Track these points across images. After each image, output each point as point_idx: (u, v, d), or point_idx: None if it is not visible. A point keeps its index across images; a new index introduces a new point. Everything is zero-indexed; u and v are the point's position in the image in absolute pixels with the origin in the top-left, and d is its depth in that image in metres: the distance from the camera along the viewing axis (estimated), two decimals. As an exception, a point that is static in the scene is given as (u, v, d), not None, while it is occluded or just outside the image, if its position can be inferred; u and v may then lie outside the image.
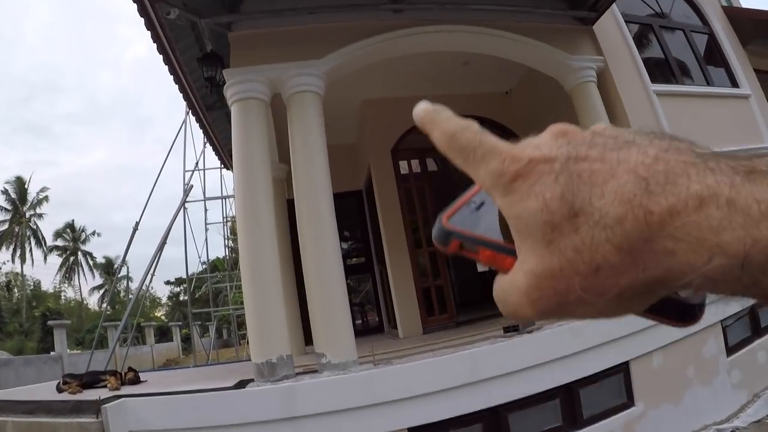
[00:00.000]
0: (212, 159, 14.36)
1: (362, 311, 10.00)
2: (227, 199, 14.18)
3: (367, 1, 5.09)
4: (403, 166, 7.38)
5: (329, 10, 4.92)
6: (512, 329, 4.59)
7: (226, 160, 8.83)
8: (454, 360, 4.24)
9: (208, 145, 10.50)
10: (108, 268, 40.32)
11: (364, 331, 8.97)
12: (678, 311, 0.28)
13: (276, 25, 4.87)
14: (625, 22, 6.64)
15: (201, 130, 8.17)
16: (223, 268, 19.38)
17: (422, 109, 0.36)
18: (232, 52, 4.81)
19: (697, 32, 7.86)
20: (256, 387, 4.01)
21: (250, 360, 4.95)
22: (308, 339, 6.45)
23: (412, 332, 6.81)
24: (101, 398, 3.87)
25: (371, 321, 9.66)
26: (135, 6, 4.32)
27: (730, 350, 5.97)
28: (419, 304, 6.93)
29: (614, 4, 6.15)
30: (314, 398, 3.89)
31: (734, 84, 7.74)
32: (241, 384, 4.13)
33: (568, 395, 4.71)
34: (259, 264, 4.20)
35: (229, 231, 15.34)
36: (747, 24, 8.37)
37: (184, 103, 7.34)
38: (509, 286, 0.29)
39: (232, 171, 9.07)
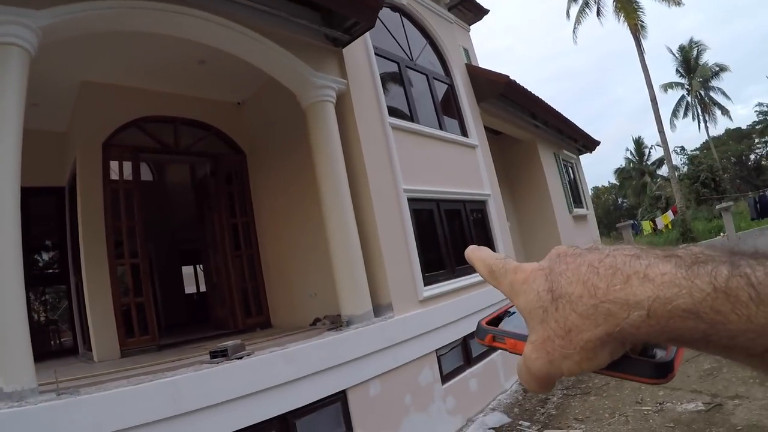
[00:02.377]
0: None
1: (57, 330, 9.00)
2: None
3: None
4: (115, 165, 6.96)
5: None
6: (220, 354, 4.41)
7: None
8: (152, 389, 3.86)
9: None
10: None
11: (58, 352, 8.16)
12: (648, 370, 0.41)
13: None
14: (375, 54, 7.35)
15: None
16: None
17: (473, 249, 0.55)
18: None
19: (440, 81, 9.14)
20: None
21: None
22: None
23: (108, 355, 6.34)
24: None
25: (67, 342, 8.71)
26: None
27: (445, 378, 6.79)
28: (117, 324, 6.48)
29: (368, 34, 6.74)
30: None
31: (464, 134, 9.14)
32: None
33: (283, 427, 4.69)
34: None
35: None
36: (484, 83, 10.08)
37: None
38: (522, 360, 0.45)
39: None
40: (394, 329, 5.95)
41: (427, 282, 6.87)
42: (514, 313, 0.52)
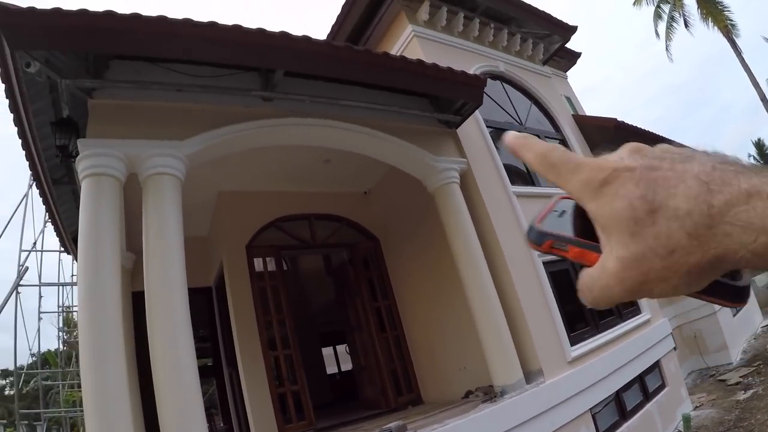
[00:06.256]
0: (52, 241, 13.28)
1: (211, 416, 9.61)
2: (65, 287, 13.06)
3: (238, 86, 4.97)
4: (258, 263, 7.20)
5: (198, 90, 4.73)
6: (392, 435, 4.42)
7: (67, 242, 8.17)
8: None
9: (48, 224, 9.88)
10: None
11: (212, 438, 8.48)
12: (730, 294, 0.37)
13: (140, 98, 4.55)
14: (486, 126, 7.42)
15: (44, 206, 7.47)
16: (56, 363, 17.09)
17: (513, 136, 0.44)
18: (90, 121, 4.33)
19: (551, 138, 8.98)
20: None
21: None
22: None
23: (268, 442, 6.42)
24: None
25: (215, 426, 9.36)
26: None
27: (602, 435, 6.31)
28: (275, 411, 6.53)
29: (476, 110, 6.85)
30: None
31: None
32: None
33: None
34: (102, 360, 3.66)
35: (64, 322, 13.90)
36: (593, 131, 9.77)
37: (29, 173, 6.77)
38: (598, 274, 0.37)
39: (73, 256, 8.43)
40: (547, 394, 5.69)
41: (573, 341, 6.54)
42: (563, 212, 0.43)
